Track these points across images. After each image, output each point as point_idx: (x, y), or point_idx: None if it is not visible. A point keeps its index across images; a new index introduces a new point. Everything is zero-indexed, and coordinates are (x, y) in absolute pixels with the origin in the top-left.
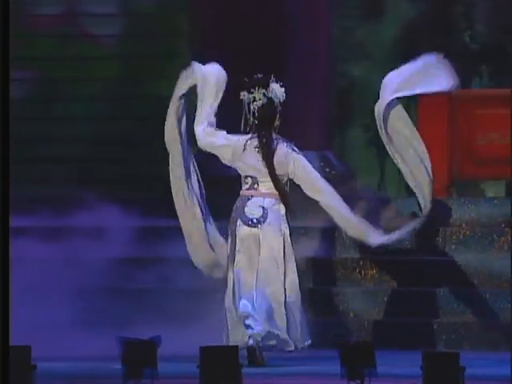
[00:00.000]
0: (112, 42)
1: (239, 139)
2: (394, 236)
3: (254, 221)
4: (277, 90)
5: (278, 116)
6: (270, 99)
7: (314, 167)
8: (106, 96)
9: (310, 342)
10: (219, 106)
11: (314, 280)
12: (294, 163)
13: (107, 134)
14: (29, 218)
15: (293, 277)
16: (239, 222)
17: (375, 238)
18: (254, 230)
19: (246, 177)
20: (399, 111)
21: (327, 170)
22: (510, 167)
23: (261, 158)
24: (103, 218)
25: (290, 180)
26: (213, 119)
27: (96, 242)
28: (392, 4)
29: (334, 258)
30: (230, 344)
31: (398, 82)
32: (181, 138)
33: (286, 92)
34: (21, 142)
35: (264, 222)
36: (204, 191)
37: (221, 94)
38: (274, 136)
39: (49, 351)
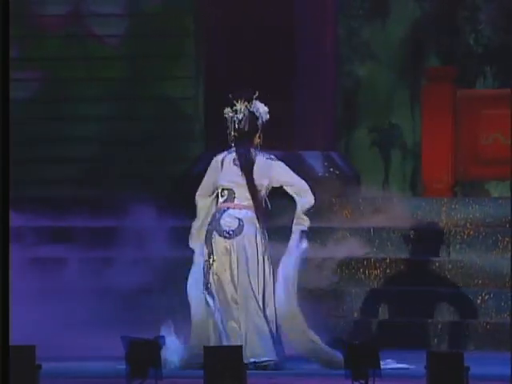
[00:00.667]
0: (118, 43)
1: (213, 164)
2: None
3: (230, 233)
4: (260, 108)
5: (259, 133)
6: (251, 113)
7: (318, 167)
8: (112, 96)
9: (284, 354)
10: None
11: (316, 280)
12: (276, 168)
13: (113, 134)
14: (29, 218)
15: (269, 290)
16: (215, 233)
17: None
18: (230, 241)
19: (223, 190)
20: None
21: (332, 170)
22: None
23: (239, 171)
24: (106, 217)
25: (273, 188)
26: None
27: (97, 242)
28: (398, 5)
29: (338, 258)
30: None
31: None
32: None
33: (292, 92)
34: (28, 142)
35: (240, 233)
36: None
37: None
38: (252, 149)
39: (53, 351)
